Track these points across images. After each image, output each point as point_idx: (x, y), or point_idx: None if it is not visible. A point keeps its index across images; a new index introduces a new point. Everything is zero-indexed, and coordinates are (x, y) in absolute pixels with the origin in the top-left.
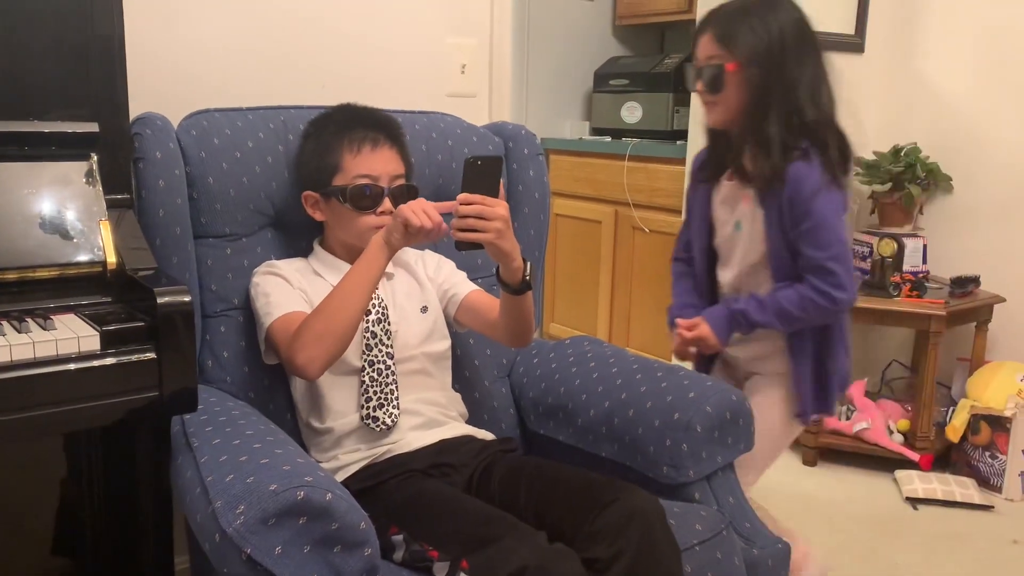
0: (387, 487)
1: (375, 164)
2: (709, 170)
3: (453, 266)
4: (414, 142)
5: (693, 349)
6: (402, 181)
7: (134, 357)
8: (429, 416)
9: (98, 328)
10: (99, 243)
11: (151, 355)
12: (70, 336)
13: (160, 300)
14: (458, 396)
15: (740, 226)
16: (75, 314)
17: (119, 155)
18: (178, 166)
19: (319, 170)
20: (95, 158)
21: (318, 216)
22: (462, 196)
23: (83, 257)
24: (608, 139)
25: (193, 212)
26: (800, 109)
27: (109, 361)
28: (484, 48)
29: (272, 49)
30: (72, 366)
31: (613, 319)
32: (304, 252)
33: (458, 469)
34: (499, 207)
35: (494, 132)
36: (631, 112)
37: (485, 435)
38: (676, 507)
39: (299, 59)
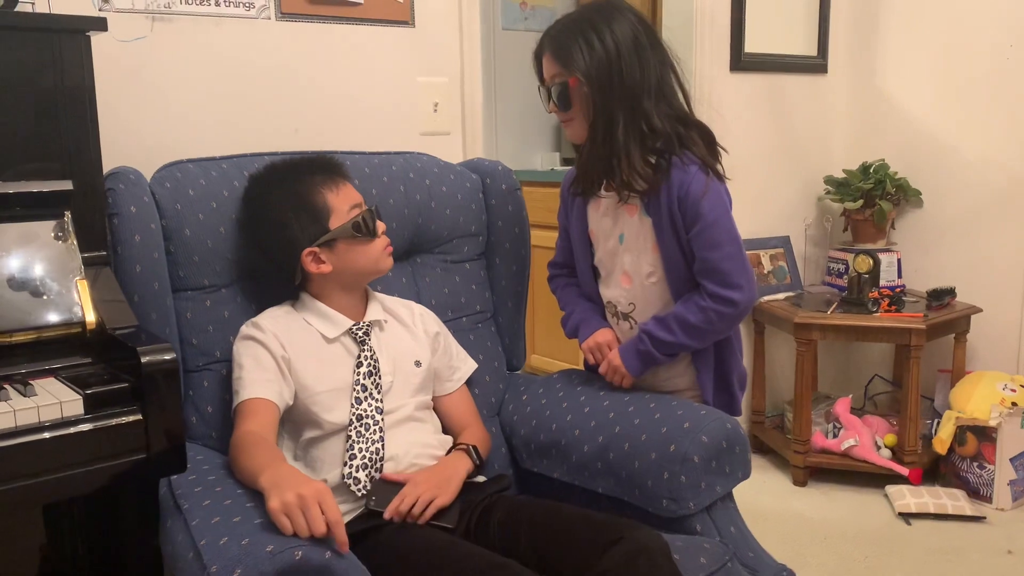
0: (384, 535)
1: (353, 194)
2: (582, 185)
3: (455, 348)
4: (392, 183)
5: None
6: (365, 205)
7: (119, 420)
8: (418, 462)
9: (81, 391)
10: (77, 302)
11: (136, 416)
12: (52, 402)
13: (144, 359)
14: (448, 438)
15: (623, 239)
16: (55, 377)
17: (94, 211)
18: (153, 220)
19: (311, 223)
20: (69, 216)
21: (324, 269)
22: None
23: (61, 318)
24: None
25: (171, 265)
26: (647, 114)
27: (93, 425)
28: (455, 86)
29: (242, 97)
30: (55, 433)
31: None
32: (283, 298)
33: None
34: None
35: (471, 169)
36: None
37: (477, 477)
38: (679, 540)
39: (270, 106)
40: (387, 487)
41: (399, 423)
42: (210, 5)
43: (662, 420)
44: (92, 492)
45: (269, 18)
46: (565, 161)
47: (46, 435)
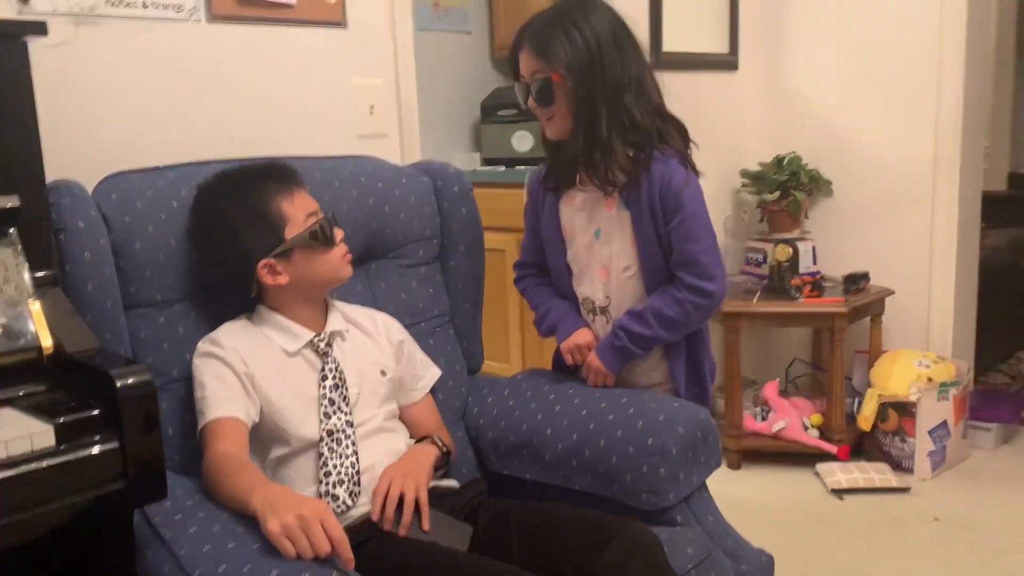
0: (368, 550)
1: (308, 202)
2: (553, 182)
3: (419, 356)
4: (344, 187)
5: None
6: (323, 212)
7: (94, 449)
8: None
9: (50, 421)
10: (30, 326)
11: (113, 444)
12: (20, 435)
13: (119, 383)
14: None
15: (600, 233)
16: (13, 407)
17: (40, 228)
18: (102, 234)
19: (266, 233)
20: (15, 233)
21: (281, 280)
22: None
23: (15, 343)
24: (502, 168)
25: (122, 282)
26: (629, 109)
27: (67, 457)
28: (391, 88)
29: (175, 103)
30: (25, 468)
31: (525, 347)
32: (240, 310)
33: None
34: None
35: (421, 172)
36: (522, 141)
37: (450, 483)
38: (663, 533)
39: (204, 111)
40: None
41: (370, 435)
42: (137, 7)
43: (636, 414)
44: (66, 528)
45: (199, 20)
46: (486, 161)
47: (17, 471)
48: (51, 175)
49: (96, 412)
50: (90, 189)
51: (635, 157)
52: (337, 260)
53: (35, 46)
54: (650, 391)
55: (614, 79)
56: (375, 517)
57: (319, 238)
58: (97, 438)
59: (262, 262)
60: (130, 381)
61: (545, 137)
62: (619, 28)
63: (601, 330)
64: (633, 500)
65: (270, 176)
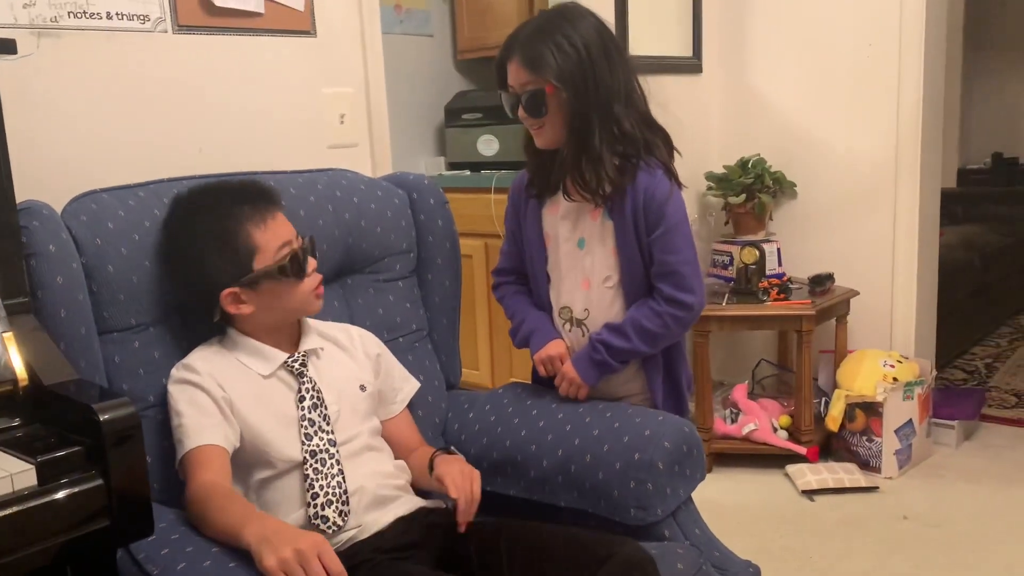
0: (361, 573)
1: (283, 230)
2: (537, 188)
3: (397, 369)
4: (320, 202)
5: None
6: (300, 238)
7: (78, 488)
8: (381, 493)
9: (31, 460)
10: (2, 358)
11: (97, 482)
12: (1, 475)
13: (102, 417)
14: (402, 462)
15: (583, 243)
16: None
17: (10, 253)
18: (74, 258)
19: (233, 261)
20: None
21: (244, 310)
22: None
23: None
24: (467, 173)
25: (95, 306)
26: (618, 119)
27: (51, 497)
28: (361, 97)
29: (142, 116)
30: (7, 511)
31: (494, 353)
32: (217, 332)
33: (423, 547)
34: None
35: (396, 184)
36: (488, 145)
37: (436, 503)
38: (653, 549)
39: (172, 124)
40: None
41: (356, 454)
42: (101, 19)
43: (622, 429)
44: (48, 568)
45: (166, 31)
46: (451, 165)
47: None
48: (18, 196)
49: (78, 448)
50: (58, 209)
51: (621, 167)
52: (306, 293)
53: None
54: (636, 406)
55: (605, 89)
56: (461, 508)
57: (287, 272)
58: (80, 476)
59: (226, 291)
60: (113, 415)
61: (528, 143)
62: (607, 36)
63: (576, 342)
64: (621, 516)
65: (245, 199)
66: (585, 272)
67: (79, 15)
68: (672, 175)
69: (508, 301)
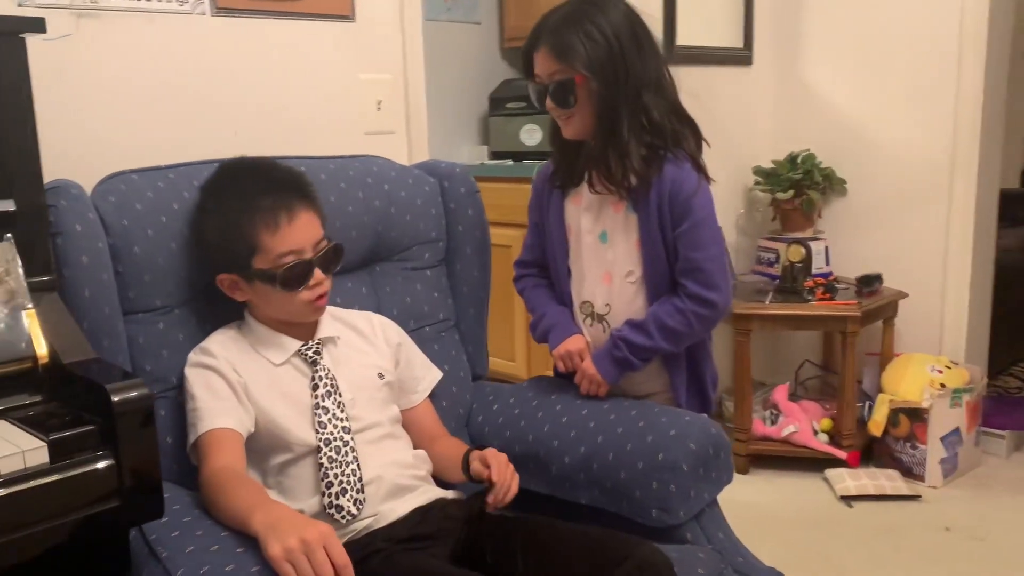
0: (371, 566)
1: (296, 237)
2: (561, 179)
3: (419, 358)
4: (350, 189)
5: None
6: (324, 243)
7: (89, 467)
8: (399, 483)
9: (44, 437)
10: (26, 335)
11: (109, 462)
12: (12, 451)
13: (115, 398)
14: (423, 452)
15: (606, 236)
16: (6, 420)
17: (36, 232)
18: (100, 238)
19: (234, 253)
20: (11, 238)
21: (239, 296)
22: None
23: (9, 353)
24: (510, 162)
25: (120, 287)
26: (647, 108)
27: (61, 475)
28: (399, 83)
29: (177, 98)
30: (18, 487)
31: (531, 345)
32: (242, 316)
33: (438, 539)
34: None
35: (427, 172)
36: (531, 134)
37: (457, 495)
38: (673, 552)
39: (207, 107)
40: None
41: (374, 442)
42: (139, 0)
43: (646, 428)
44: (56, 549)
45: (204, 13)
46: (494, 155)
47: (8, 490)
48: (50, 175)
49: (92, 428)
50: (89, 189)
51: (648, 158)
52: (300, 304)
53: (34, 40)
54: (663, 405)
55: (635, 78)
56: (496, 493)
57: (277, 282)
58: (92, 455)
59: (221, 275)
60: (126, 396)
61: (554, 133)
62: (637, 24)
63: (596, 338)
64: (642, 517)
65: (274, 190)
66: (607, 266)
67: None
68: (700, 168)
69: (529, 294)
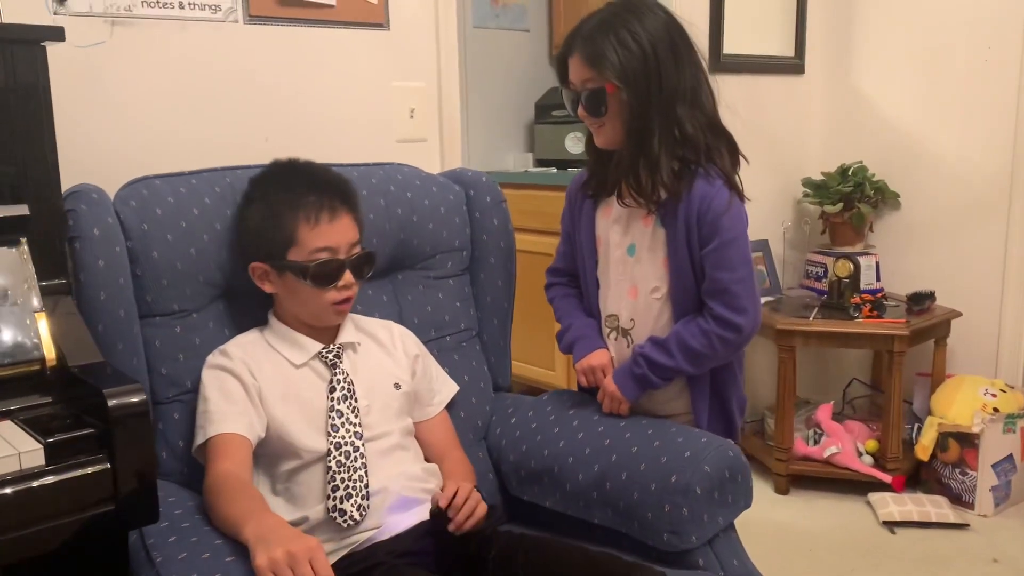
0: None
1: (334, 235)
2: (593, 188)
3: (435, 371)
4: (372, 196)
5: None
6: (359, 249)
7: (84, 470)
8: (405, 495)
9: (41, 440)
10: (35, 337)
11: (104, 465)
12: (9, 453)
13: (111, 402)
14: (433, 466)
15: (633, 250)
16: (12, 420)
17: (52, 235)
18: (118, 242)
19: (271, 242)
20: (25, 242)
21: (267, 288)
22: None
23: (17, 354)
24: (554, 170)
25: (137, 290)
26: (680, 121)
27: (56, 478)
28: (432, 91)
29: (209, 105)
30: (13, 488)
31: None
32: (260, 321)
33: (444, 553)
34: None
35: (453, 180)
36: (575, 142)
37: None
38: None
39: (239, 114)
40: None
41: (384, 453)
42: (174, 8)
43: (661, 448)
44: (53, 550)
45: (237, 21)
46: (539, 162)
47: (3, 491)
48: (77, 179)
49: (90, 431)
50: (113, 194)
51: (679, 172)
52: (322, 305)
53: (67, 47)
54: (681, 425)
55: (669, 89)
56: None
57: (307, 276)
58: (88, 459)
59: (254, 263)
60: (122, 401)
61: (588, 141)
62: (676, 32)
63: (620, 352)
64: (653, 540)
65: (318, 189)
66: (633, 280)
67: (152, 4)
68: (733, 186)
69: (558, 303)
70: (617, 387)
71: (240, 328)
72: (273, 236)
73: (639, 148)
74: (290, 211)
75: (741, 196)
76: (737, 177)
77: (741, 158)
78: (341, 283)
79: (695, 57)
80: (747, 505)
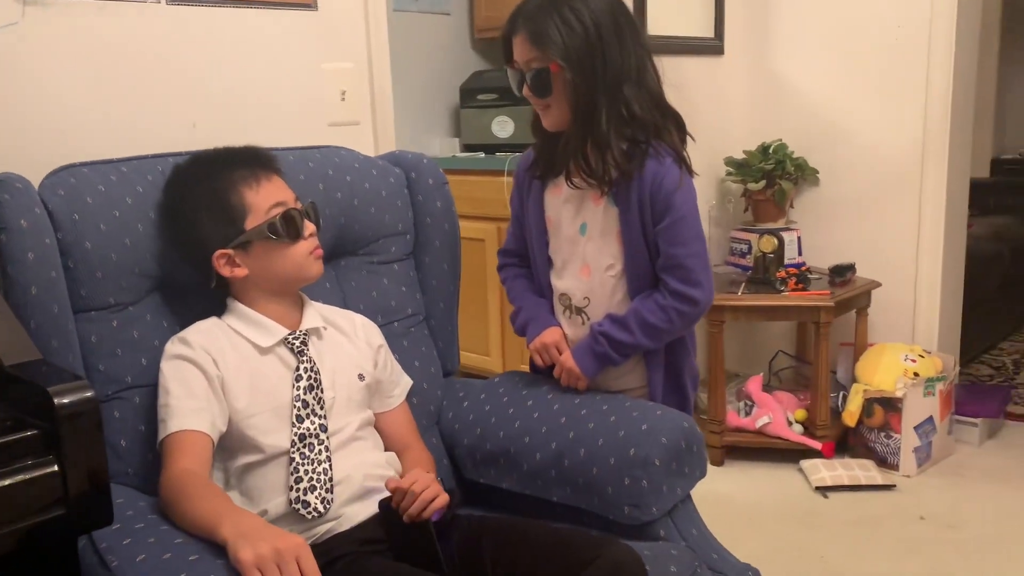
0: (337, 570)
1: (277, 192)
2: (541, 169)
3: (396, 365)
4: (310, 180)
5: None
6: (300, 203)
7: (30, 474)
8: (366, 485)
9: None
10: None
11: (52, 468)
12: None
13: (58, 401)
14: (392, 454)
15: (585, 229)
16: None
17: None
18: (48, 234)
19: (225, 222)
20: None
21: (239, 273)
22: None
23: None
24: (482, 155)
25: (70, 284)
26: (627, 100)
27: (3, 482)
28: (363, 72)
29: (132, 90)
30: None
31: (505, 339)
32: (200, 313)
33: (397, 541)
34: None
35: (393, 163)
36: (502, 126)
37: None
38: (646, 549)
39: (164, 99)
40: None
41: (344, 443)
42: None
43: (618, 423)
44: (5, 556)
45: (159, 2)
46: (466, 147)
47: None
48: None
49: (35, 432)
50: (37, 184)
51: (629, 152)
52: (300, 256)
53: None
54: (636, 400)
55: (614, 69)
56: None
57: (278, 232)
58: (34, 461)
59: (218, 252)
60: (70, 399)
61: (534, 122)
62: (619, 11)
63: (574, 330)
64: (614, 513)
65: (240, 161)
66: (586, 259)
67: None
68: (683, 163)
69: (509, 285)
70: (576, 364)
71: (179, 320)
72: (224, 217)
73: (587, 129)
74: (229, 186)
75: (691, 172)
76: (685, 153)
77: (688, 136)
78: (307, 232)
79: (639, 36)
80: (702, 475)
